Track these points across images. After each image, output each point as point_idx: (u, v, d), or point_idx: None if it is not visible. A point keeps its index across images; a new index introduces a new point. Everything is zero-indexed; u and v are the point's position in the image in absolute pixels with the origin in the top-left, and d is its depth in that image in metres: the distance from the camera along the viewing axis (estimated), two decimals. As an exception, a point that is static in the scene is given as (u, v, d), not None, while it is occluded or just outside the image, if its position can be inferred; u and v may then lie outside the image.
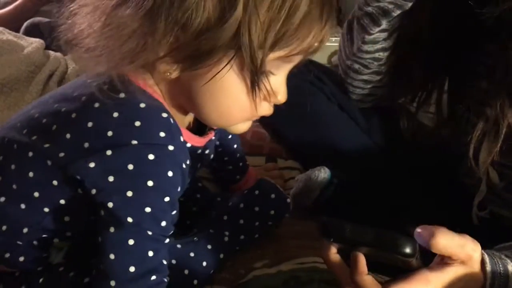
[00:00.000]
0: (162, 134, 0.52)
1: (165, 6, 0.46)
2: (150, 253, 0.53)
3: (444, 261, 0.51)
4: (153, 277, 0.54)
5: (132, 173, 0.51)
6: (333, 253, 0.53)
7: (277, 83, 0.54)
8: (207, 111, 0.54)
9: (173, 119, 0.54)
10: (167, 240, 0.55)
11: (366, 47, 0.86)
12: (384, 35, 0.84)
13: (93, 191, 0.53)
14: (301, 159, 1.00)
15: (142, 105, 0.52)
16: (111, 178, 0.52)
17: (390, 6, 0.80)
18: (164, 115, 0.53)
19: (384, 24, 0.82)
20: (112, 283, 0.53)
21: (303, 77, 0.98)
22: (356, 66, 0.90)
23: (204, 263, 0.68)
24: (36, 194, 0.57)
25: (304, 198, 0.86)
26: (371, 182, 0.90)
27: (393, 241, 0.49)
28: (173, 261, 0.65)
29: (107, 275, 0.53)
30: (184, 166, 0.55)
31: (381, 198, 0.89)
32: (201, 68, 0.49)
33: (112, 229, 0.53)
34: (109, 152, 0.51)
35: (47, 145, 0.56)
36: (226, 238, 0.71)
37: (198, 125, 0.64)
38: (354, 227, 0.50)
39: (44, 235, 0.60)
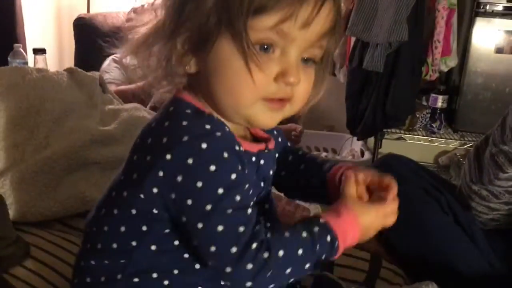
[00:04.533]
0: (207, 126, 0.57)
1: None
2: (241, 228, 0.55)
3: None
4: (254, 245, 0.55)
5: (194, 165, 0.55)
6: None
7: (285, 63, 0.57)
8: (218, 93, 0.58)
9: (217, 118, 0.59)
10: (250, 210, 0.57)
11: (499, 183, 0.84)
12: None
13: (172, 196, 0.56)
14: (408, 269, 0.95)
15: (188, 110, 0.59)
16: (179, 178, 0.55)
17: None
18: (207, 114, 0.59)
19: None
20: (228, 269, 0.55)
21: (416, 184, 0.96)
22: (485, 193, 0.87)
23: None
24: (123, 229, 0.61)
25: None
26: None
27: None
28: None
29: (218, 266, 0.56)
30: (237, 148, 0.58)
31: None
32: (206, 50, 0.56)
33: (200, 225, 0.55)
34: (168, 156, 0.55)
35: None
36: None
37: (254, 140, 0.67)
38: None
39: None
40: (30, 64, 1.78)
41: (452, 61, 2.13)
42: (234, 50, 0.55)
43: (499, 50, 2.11)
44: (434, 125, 2.25)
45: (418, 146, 2.35)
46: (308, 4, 0.55)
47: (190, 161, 0.55)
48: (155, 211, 0.58)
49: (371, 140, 2.30)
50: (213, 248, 0.55)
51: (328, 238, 0.59)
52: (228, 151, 0.56)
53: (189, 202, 0.55)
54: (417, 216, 0.92)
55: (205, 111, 0.60)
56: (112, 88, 2.03)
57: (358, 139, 2.30)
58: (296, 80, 0.57)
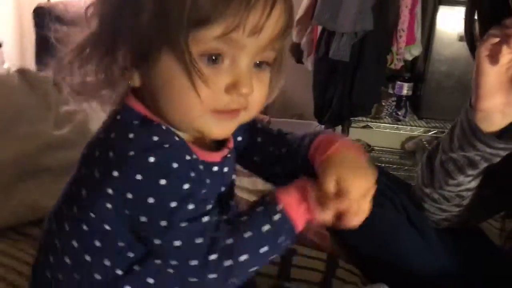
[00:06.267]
0: (155, 138, 0.54)
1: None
2: (198, 240, 0.53)
3: None
4: (214, 256, 0.54)
5: (143, 181, 0.52)
6: None
7: (235, 72, 0.54)
8: (165, 109, 0.55)
9: (166, 127, 0.56)
10: (206, 218, 0.54)
11: (449, 188, 0.84)
12: (469, 179, 0.82)
13: (126, 212, 0.54)
14: (362, 268, 0.97)
15: (136, 121, 0.56)
16: (129, 195, 0.53)
17: (477, 158, 0.78)
18: (155, 123, 0.56)
19: (470, 172, 0.80)
20: (192, 280, 0.55)
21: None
22: (436, 196, 0.87)
23: None
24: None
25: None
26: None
27: None
28: None
29: (182, 278, 0.55)
30: (189, 157, 0.55)
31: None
32: (148, 66, 0.53)
33: (157, 241, 0.54)
34: (115, 173, 0.53)
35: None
36: None
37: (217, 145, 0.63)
38: None
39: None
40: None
41: (416, 50, 2.14)
42: (176, 66, 0.52)
43: (462, 38, 2.13)
44: (399, 113, 2.27)
45: (384, 133, 2.37)
46: (257, 10, 0.51)
47: (138, 177, 0.52)
48: (107, 227, 0.56)
49: (339, 128, 2.32)
50: (174, 262, 0.55)
51: (289, 227, 0.57)
52: (178, 162, 0.54)
53: (143, 219, 0.53)
54: (371, 217, 0.93)
55: (154, 120, 0.56)
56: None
57: (325, 128, 2.31)
58: (248, 90, 0.55)
